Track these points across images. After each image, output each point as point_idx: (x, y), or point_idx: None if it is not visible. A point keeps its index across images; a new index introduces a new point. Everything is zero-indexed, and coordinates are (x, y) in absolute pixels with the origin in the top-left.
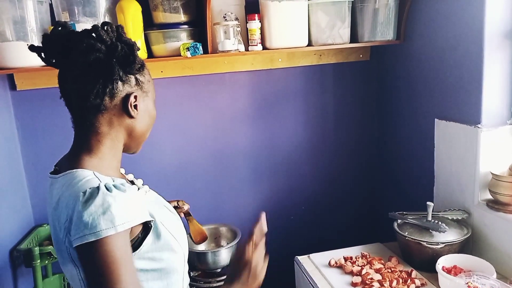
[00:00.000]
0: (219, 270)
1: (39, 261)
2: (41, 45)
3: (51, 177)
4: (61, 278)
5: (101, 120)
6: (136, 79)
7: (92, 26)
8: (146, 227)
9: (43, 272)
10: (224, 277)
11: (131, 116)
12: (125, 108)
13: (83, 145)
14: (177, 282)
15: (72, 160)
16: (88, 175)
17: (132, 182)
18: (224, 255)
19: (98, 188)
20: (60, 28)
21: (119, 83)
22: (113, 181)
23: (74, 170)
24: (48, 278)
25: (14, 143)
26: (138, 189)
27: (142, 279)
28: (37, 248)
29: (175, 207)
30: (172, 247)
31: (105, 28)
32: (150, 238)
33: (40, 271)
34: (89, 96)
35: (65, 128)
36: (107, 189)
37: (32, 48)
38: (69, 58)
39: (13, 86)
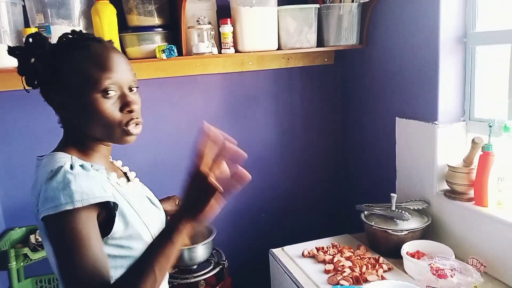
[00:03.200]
0: (195, 266)
1: (14, 263)
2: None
3: (37, 159)
4: (33, 281)
5: (61, 119)
6: (56, 80)
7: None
8: (111, 214)
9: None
10: (200, 273)
11: (64, 118)
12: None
13: (66, 135)
14: None
15: (59, 146)
16: (64, 157)
17: (125, 174)
18: (200, 252)
19: (62, 166)
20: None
21: (44, 89)
22: (91, 166)
23: (55, 152)
24: (20, 282)
25: None
26: (124, 174)
27: (112, 265)
28: (12, 250)
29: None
30: (142, 237)
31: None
32: (120, 225)
33: (15, 273)
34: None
35: (37, 130)
36: (71, 167)
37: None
38: None
39: None
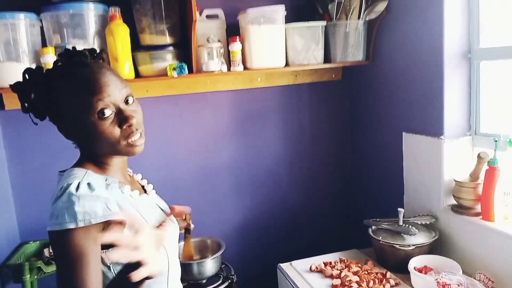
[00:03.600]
0: (204, 280)
1: (29, 275)
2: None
3: (59, 174)
4: None
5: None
6: (52, 112)
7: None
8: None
9: None
10: (209, 287)
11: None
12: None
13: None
14: (160, 283)
15: (77, 160)
16: (79, 173)
17: (142, 187)
18: (209, 266)
19: (70, 185)
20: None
21: (56, 124)
22: (106, 180)
23: (72, 168)
24: None
25: (1, 162)
26: (144, 190)
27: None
28: (27, 263)
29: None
30: None
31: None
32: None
33: (29, 286)
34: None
35: (52, 147)
36: (77, 188)
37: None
38: None
39: (1, 106)
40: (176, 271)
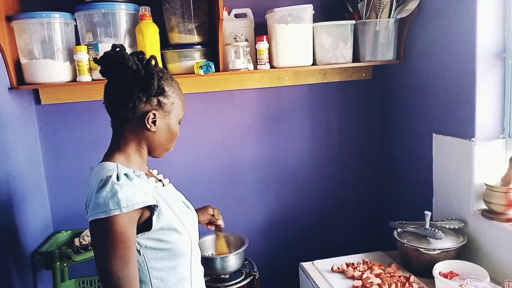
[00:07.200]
0: (227, 276)
1: (58, 263)
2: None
3: (91, 169)
4: (76, 282)
5: (127, 128)
6: (158, 100)
7: (128, 54)
8: (153, 212)
9: (60, 276)
10: (231, 282)
11: (148, 129)
12: (144, 122)
13: (115, 144)
14: (184, 265)
15: (106, 155)
16: (111, 166)
17: (160, 180)
18: (232, 262)
19: (110, 177)
20: (111, 51)
21: (141, 101)
22: (134, 172)
23: (103, 162)
24: (64, 282)
25: (37, 154)
26: (159, 181)
27: (153, 257)
28: (57, 251)
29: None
30: (178, 230)
31: (135, 57)
32: (158, 221)
33: (59, 273)
34: (116, 108)
35: (84, 140)
36: (117, 178)
37: (94, 60)
38: (109, 75)
39: (38, 101)
40: (198, 254)
